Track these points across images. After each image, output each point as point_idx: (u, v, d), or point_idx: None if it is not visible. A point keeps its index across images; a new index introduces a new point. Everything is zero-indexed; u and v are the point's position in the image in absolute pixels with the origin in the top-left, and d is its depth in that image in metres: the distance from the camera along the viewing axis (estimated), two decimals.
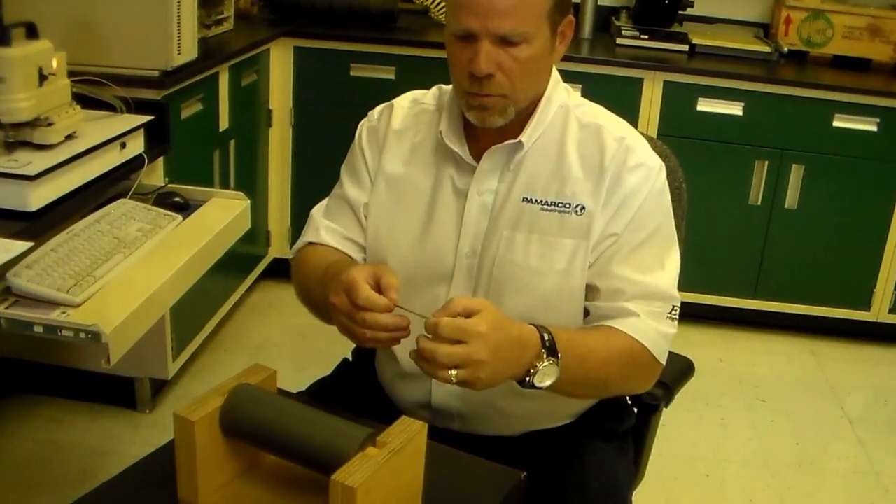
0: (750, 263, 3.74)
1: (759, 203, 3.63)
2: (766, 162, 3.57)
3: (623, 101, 3.47)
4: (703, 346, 3.73)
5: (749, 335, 3.85)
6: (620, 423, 1.70)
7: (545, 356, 1.35)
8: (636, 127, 1.63)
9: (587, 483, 1.54)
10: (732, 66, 3.62)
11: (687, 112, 3.55)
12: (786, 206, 3.63)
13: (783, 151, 3.56)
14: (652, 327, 1.48)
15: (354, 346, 1.89)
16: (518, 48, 1.43)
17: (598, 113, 1.58)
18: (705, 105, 3.54)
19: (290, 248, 1.71)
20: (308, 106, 3.71)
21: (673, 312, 1.51)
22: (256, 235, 3.70)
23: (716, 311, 3.80)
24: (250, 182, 3.55)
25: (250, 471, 1.27)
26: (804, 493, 2.87)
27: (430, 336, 1.28)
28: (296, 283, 1.64)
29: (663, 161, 1.59)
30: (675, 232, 1.57)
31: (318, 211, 1.69)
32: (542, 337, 1.36)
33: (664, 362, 1.52)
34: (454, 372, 1.26)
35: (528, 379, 1.35)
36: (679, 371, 1.82)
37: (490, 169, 1.54)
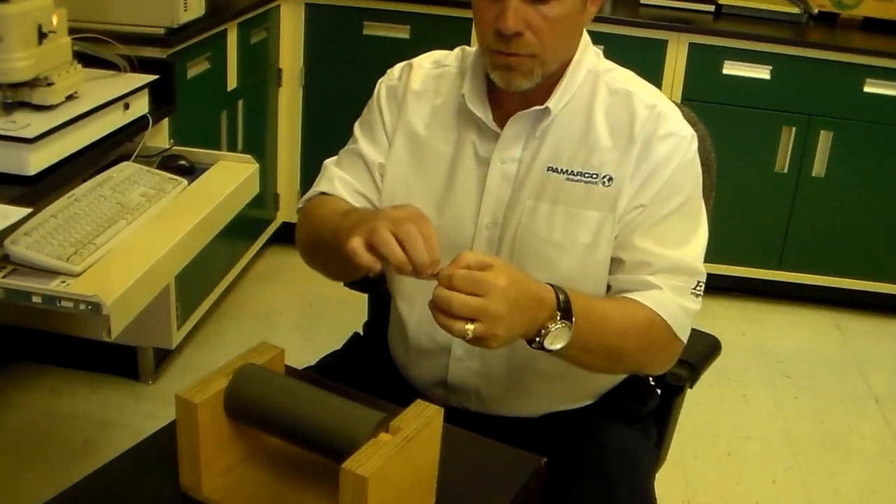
0: (775, 233, 3.69)
1: (785, 171, 3.58)
2: (794, 128, 3.52)
3: (646, 64, 3.35)
4: (726, 318, 3.68)
5: (773, 308, 3.81)
6: (643, 404, 1.66)
7: (558, 318, 1.30)
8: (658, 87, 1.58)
9: (607, 466, 1.50)
10: (760, 28, 3.55)
11: (712, 76, 3.49)
12: (813, 175, 3.57)
13: (811, 117, 3.50)
14: (674, 301, 1.44)
15: (365, 319, 1.86)
16: (548, 6, 1.37)
17: (628, 79, 1.53)
18: (731, 68, 3.48)
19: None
20: (319, 65, 3.67)
21: (698, 288, 1.47)
22: (264, 199, 3.68)
23: (739, 282, 3.76)
24: (259, 144, 3.51)
25: (255, 455, 1.24)
26: (828, 473, 2.84)
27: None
28: (303, 233, 1.59)
29: (693, 130, 1.54)
30: (703, 205, 1.53)
31: (330, 162, 1.64)
32: (557, 297, 1.31)
33: (685, 339, 1.48)
34: (471, 326, 1.21)
35: (538, 339, 1.30)
36: (705, 350, 1.78)
37: (514, 136, 1.49)
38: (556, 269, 1.47)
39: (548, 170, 1.48)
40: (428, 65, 1.60)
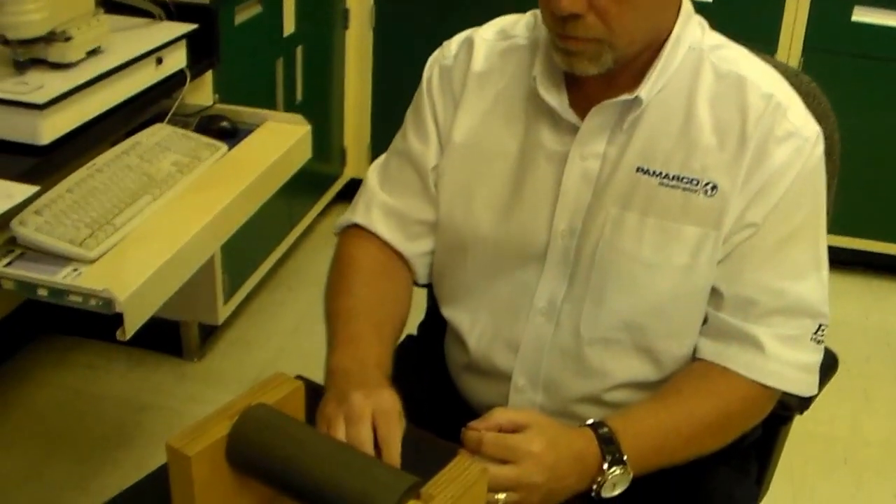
0: None
1: None
2: None
3: (761, 11, 3.24)
4: (847, 297, 3.50)
5: None
6: (742, 438, 1.50)
7: (608, 468, 1.22)
8: (776, 43, 1.40)
9: None
10: None
11: (840, 23, 3.27)
12: None
13: None
14: (785, 363, 1.31)
15: (422, 318, 1.74)
16: None
17: (739, 59, 1.33)
18: (862, 14, 3.26)
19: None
20: (392, 3, 3.56)
21: (819, 332, 1.32)
22: (330, 154, 3.61)
23: (863, 257, 3.58)
24: (322, 95, 3.42)
25: None
26: None
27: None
28: (330, 276, 1.46)
29: (812, 103, 1.36)
30: (825, 221, 1.36)
31: (374, 173, 1.51)
32: (601, 442, 1.22)
33: (808, 394, 1.36)
34: (501, 496, 1.13)
35: (593, 493, 1.22)
36: (820, 371, 1.61)
37: (597, 128, 1.32)
38: (644, 293, 1.33)
39: (637, 170, 1.31)
40: (491, 36, 1.44)
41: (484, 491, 1.04)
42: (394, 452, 1.12)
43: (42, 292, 1.57)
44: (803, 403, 1.56)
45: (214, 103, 2.31)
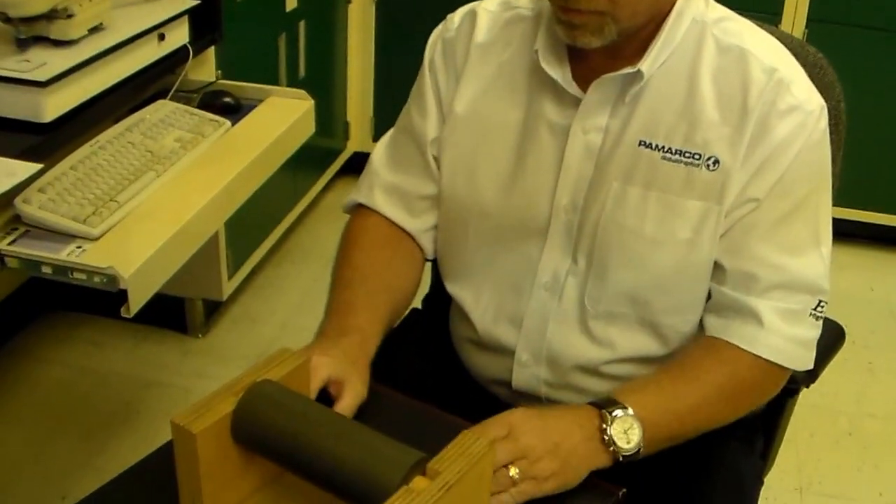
0: None
1: None
2: None
3: None
4: (852, 269, 3.47)
5: None
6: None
7: (609, 414, 1.20)
8: (780, 14, 1.38)
9: (705, 487, 1.36)
10: None
11: None
12: None
13: None
14: (783, 336, 1.29)
15: (426, 292, 1.73)
16: None
17: (743, 32, 1.31)
18: None
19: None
20: None
21: (819, 308, 1.30)
22: (333, 128, 3.59)
23: (869, 229, 3.55)
24: (325, 69, 3.40)
25: (272, 484, 1.11)
26: None
27: None
28: (336, 251, 1.46)
29: (818, 74, 1.34)
30: (830, 196, 1.34)
31: (379, 152, 1.50)
32: (596, 405, 1.22)
33: (804, 368, 1.34)
34: (514, 471, 1.13)
35: (612, 449, 1.20)
36: (825, 343, 1.58)
37: (599, 102, 1.31)
38: (647, 268, 1.32)
39: (640, 144, 1.30)
40: (495, 7, 1.42)
41: (490, 466, 1.03)
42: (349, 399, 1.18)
43: (46, 270, 1.57)
44: (810, 377, 1.55)
45: (217, 79, 2.30)
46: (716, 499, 1.35)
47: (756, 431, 1.53)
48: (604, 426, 1.19)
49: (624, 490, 1.18)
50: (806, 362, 1.33)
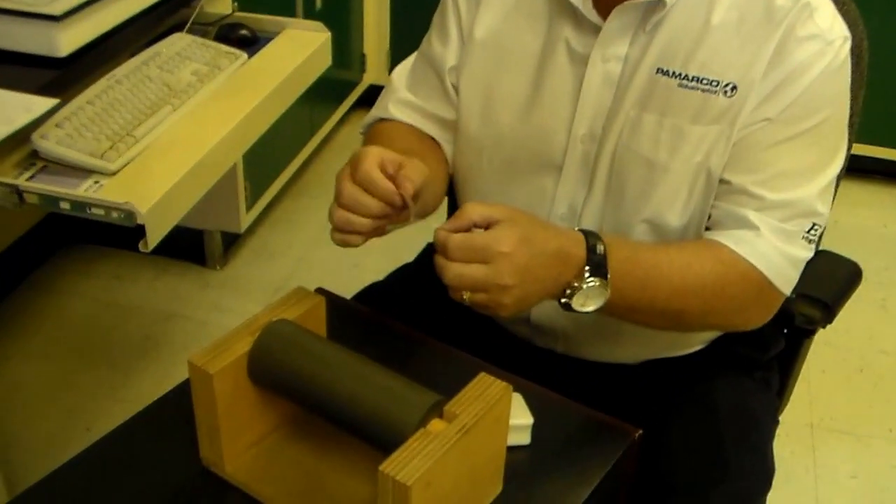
0: None
1: None
2: None
3: None
4: (866, 206, 3.44)
5: None
6: (765, 350, 1.47)
7: (587, 275, 1.13)
8: None
9: (721, 427, 1.34)
10: None
11: None
12: None
13: None
14: (776, 249, 1.24)
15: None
16: None
17: None
18: None
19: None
20: None
21: (812, 232, 1.26)
22: (350, 59, 3.55)
23: (884, 165, 3.50)
24: (341, 1, 3.35)
25: (288, 424, 1.10)
26: None
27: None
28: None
29: (842, 10, 1.29)
30: (846, 128, 1.30)
31: (399, 73, 1.47)
32: (590, 249, 1.14)
33: (788, 292, 1.28)
34: (467, 295, 1.08)
35: (563, 300, 1.14)
36: (843, 282, 1.57)
37: (619, 29, 1.26)
38: (663, 193, 1.28)
39: (657, 72, 1.26)
40: None
41: (508, 409, 1.01)
42: (415, 174, 1.12)
43: (64, 206, 1.55)
44: (827, 316, 1.53)
45: (234, 11, 2.25)
46: (732, 437, 1.33)
47: (772, 371, 1.51)
48: (574, 284, 1.14)
49: (640, 431, 1.16)
50: (790, 280, 1.28)
